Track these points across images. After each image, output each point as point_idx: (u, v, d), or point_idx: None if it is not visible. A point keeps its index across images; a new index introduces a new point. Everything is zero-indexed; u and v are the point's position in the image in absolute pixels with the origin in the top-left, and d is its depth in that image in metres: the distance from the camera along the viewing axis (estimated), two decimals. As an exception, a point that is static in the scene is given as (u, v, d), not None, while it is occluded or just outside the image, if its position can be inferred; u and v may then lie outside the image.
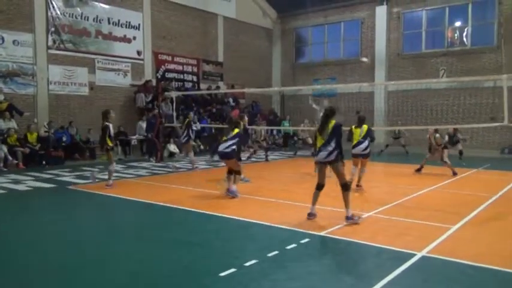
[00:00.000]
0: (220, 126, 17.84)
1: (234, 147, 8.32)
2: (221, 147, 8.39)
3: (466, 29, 19.75)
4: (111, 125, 9.38)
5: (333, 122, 6.30)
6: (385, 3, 21.24)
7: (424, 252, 4.88)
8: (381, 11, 21.37)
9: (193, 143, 15.78)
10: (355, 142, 8.97)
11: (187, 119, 12.80)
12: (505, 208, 7.57)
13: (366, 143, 8.88)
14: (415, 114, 19.59)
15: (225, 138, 8.70)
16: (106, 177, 9.73)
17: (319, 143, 6.35)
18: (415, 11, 20.92)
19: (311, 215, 6.36)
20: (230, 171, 8.45)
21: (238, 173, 8.55)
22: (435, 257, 4.75)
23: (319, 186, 6.40)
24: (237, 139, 8.44)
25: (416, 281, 4.19)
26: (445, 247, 5.14)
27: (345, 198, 6.20)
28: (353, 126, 9.12)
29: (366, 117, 9.37)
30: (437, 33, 20.55)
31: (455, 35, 20.21)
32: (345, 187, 6.22)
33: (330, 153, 6.19)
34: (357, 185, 9.05)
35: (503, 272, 4.34)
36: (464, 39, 19.85)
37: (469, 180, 10.95)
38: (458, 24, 20.12)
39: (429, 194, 8.85)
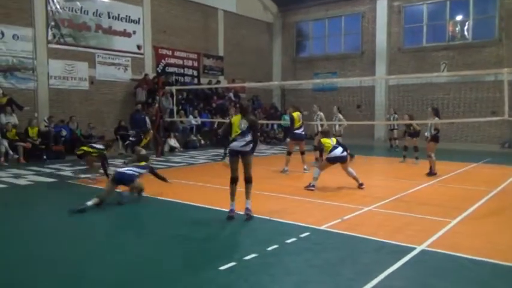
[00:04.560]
0: (221, 120, 17.83)
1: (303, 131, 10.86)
2: (298, 131, 10.81)
3: (467, 23, 19.65)
4: None
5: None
6: (385, -4, 21.15)
7: (423, 246, 4.90)
8: (382, 5, 21.25)
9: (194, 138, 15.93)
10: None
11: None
12: (504, 202, 7.58)
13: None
14: (416, 109, 19.51)
15: (298, 124, 10.80)
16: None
17: (235, 133, 6.18)
18: (416, 5, 20.80)
19: (232, 212, 6.25)
20: (289, 153, 10.95)
21: (303, 153, 11.05)
22: (435, 251, 4.78)
23: (234, 180, 6.33)
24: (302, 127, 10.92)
25: (415, 274, 4.21)
26: (444, 241, 5.15)
27: (248, 190, 6.33)
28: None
29: None
30: (438, 27, 20.43)
31: (457, 28, 20.12)
32: (250, 180, 6.34)
33: (247, 144, 6.19)
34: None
35: (502, 266, 4.36)
36: (466, 32, 19.76)
37: (469, 174, 10.95)
38: (459, 17, 20.00)
39: (428, 188, 8.85)
